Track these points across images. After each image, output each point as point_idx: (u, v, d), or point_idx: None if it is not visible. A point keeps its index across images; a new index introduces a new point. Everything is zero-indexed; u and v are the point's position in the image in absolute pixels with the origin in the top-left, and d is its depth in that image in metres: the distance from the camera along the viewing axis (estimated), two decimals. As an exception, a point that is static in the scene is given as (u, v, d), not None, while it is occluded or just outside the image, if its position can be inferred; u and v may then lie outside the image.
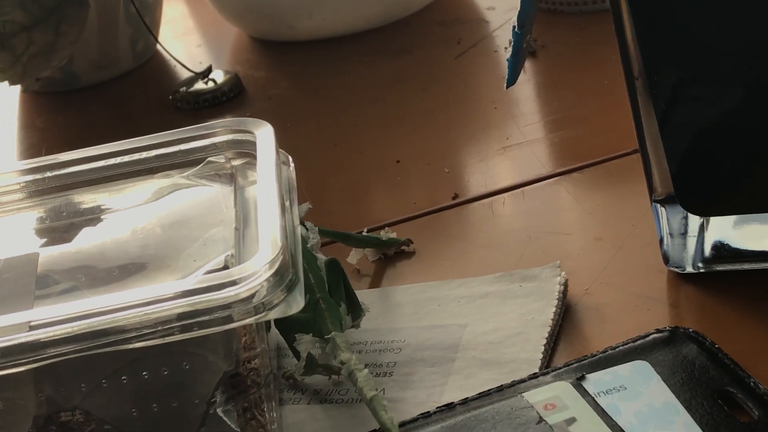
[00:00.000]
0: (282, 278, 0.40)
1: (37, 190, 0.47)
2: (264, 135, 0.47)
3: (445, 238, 0.54)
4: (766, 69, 0.43)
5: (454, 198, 0.57)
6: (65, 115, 0.74)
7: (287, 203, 0.44)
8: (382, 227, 0.54)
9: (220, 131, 0.48)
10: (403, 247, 0.54)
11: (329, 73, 0.72)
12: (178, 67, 0.75)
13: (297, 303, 0.40)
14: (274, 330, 0.47)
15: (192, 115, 0.70)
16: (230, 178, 0.46)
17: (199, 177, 0.47)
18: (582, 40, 0.69)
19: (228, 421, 0.43)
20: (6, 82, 0.70)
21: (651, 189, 0.48)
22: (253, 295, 0.40)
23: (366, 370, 0.42)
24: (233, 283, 0.40)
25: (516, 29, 0.49)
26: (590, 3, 0.71)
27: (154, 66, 0.78)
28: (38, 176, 0.47)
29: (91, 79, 0.75)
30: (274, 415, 0.44)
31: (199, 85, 0.72)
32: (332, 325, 0.44)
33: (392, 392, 0.45)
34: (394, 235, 0.54)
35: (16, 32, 0.68)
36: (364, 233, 0.54)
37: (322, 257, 0.47)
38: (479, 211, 0.56)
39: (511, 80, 0.52)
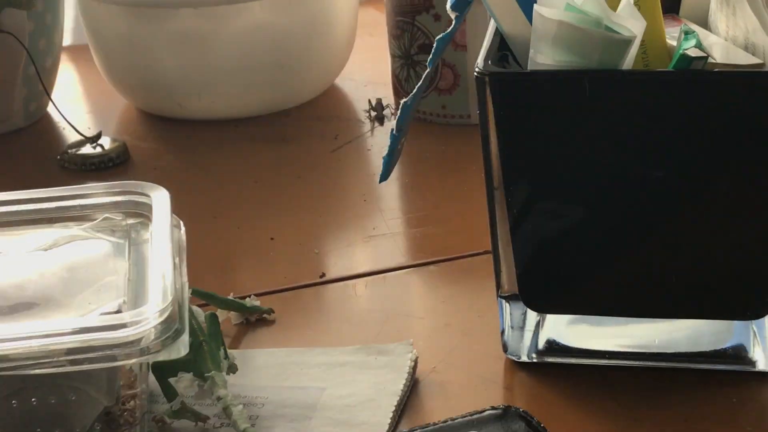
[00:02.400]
0: (169, 327, 0.45)
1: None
2: (159, 198, 0.52)
3: (309, 312, 0.60)
4: (600, 196, 0.50)
5: (321, 276, 0.62)
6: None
7: (177, 261, 0.48)
8: (248, 296, 0.59)
9: (118, 191, 0.53)
10: (264, 315, 0.59)
11: (213, 151, 0.77)
12: (67, 130, 0.80)
13: (180, 350, 0.45)
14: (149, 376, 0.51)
15: (78, 176, 0.74)
16: (125, 234, 0.51)
17: (96, 230, 0.51)
18: (446, 149, 0.76)
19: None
20: None
21: (498, 285, 0.54)
22: (141, 339, 0.44)
23: (241, 406, 0.46)
24: (124, 325, 0.44)
25: (394, 132, 0.56)
26: (457, 117, 0.78)
27: (44, 127, 0.82)
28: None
29: (-19, 132, 0.79)
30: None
31: (87, 149, 0.76)
32: (213, 365, 0.49)
33: (257, 440, 0.50)
34: (258, 303, 0.59)
35: None
36: (230, 297, 0.59)
37: (200, 311, 0.52)
38: (343, 290, 0.61)
39: (384, 176, 0.58)
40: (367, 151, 0.77)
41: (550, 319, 0.54)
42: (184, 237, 0.51)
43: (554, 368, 0.53)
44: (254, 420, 0.51)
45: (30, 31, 0.76)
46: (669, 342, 0.53)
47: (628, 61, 0.47)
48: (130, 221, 0.51)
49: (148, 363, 0.49)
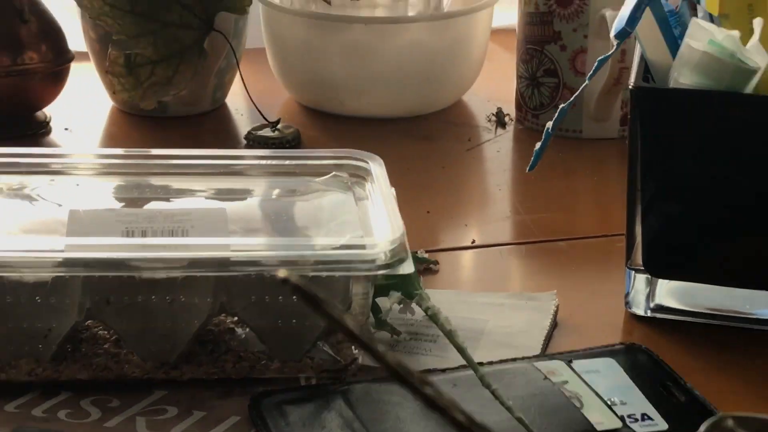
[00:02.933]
0: (398, 252, 0.60)
1: (221, 172, 0.67)
2: (375, 163, 0.67)
3: (465, 268, 0.75)
4: (719, 192, 0.66)
5: (472, 242, 0.78)
6: (154, 135, 0.93)
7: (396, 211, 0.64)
8: (418, 250, 0.75)
9: (342, 155, 0.68)
10: (431, 266, 0.74)
11: (369, 143, 0.92)
12: (245, 116, 0.96)
13: (406, 269, 0.60)
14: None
15: (259, 153, 0.90)
16: (349, 188, 0.67)
17: (327, 184, 0.67)
18: (562, 156, 0.91)
19: (328, 349, 0.62)
20: (125, 100, 0.89)
21: (628, 257, 0.70)
22: (374, 260, 0.60)
23: (444, 315, 0.62)
24: (363, 247, 0.60)
25: (549, 131, 0.71)
26: (571, 131, 0.94)
27: (224, 112, 0.98)
28: (217, 162, 0.67)
29: (175, 112, 0.95)
30: (357, 351, 0.64)
31: (267, 132, 0.92)
32: (418, 287, 0.64)
33: (437, 353, 0.65)
34: (426, 255, 0.74)
35: (143, 64, 0.88)
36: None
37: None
38: (491, 254, 0.77)
39: (533, 166, 0.74)
40: (496, 152, 0.93)
41: (665, 285, 0.70)
42: (394, 194, 0.66)
43: (666, 323, 0.68)
44: (435, 337, 0.66)
45: (232, 31, 0.92)
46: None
47: (751, 87, 0.62)
48: (352, 180, 0.67)
49: (371, 287, 0.64)
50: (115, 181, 0.68)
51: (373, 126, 0.96)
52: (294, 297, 0.60)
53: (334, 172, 0.67)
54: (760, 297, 0.68)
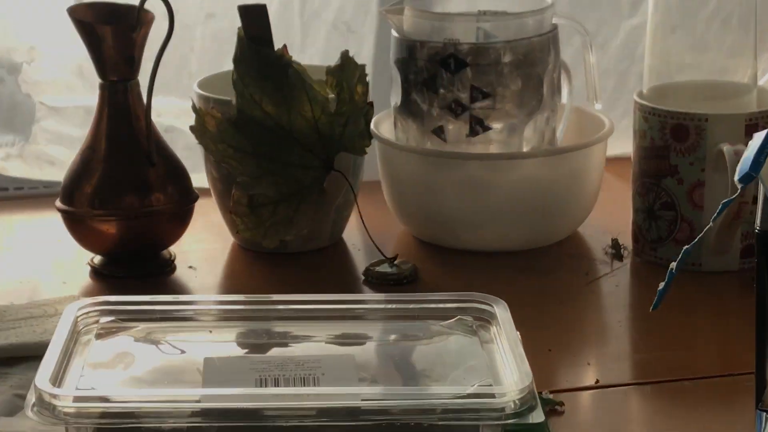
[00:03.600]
0: (527, 401, 0.60)
1: (343, 317, 0.68)
2: (500, 307, 0.68)
3: (589, 409, 0.75)
4: None
5: (596, 382, 0.77)
6: (274, 272, 0.95)
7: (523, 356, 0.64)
8: (543, 391, 0.75)
9: (465, 299, 0.69)
10: (556, 407, 0.74)
11: (485, 277, 0.94)
12: (362, 251, 0.97)
13: (535, 419, 0.60)
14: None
15: (377, 290, 0.91)
16: (474, 332, 0.67)
17: (451, 328, 0.68)
18: (681, 292, 0.90)
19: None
20: (247, 239, 0.92)
21: (759, 400, 0.68)
22: (504, 408, 0.60)
23: None
24: (493, 395, 0.60)
25: (673, 271, 0.71)
26: (689, 265, 0.93)
27: (341, 247, 1.00)
28: (339, 306, 0.68)
29: (295, 248, 0.97)
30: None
31: (384, 268, 0.93)
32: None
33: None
34: (551, 396, 0.74)
35: (266, 204, 0.90)
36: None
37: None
38: (615, 395, 0.76)
39: (657, 305, 0.73)
40: (615, 287, 0.92)
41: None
42: (520, 339, 0.66)
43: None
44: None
45: (351, 169, 0.94)
46: None
47: None
48: (476, 323, 0.68)
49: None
50: (238, 328, 0.69)
51: (489, 259, 0.96)
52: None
53: (459, 316, 0.68)
54: None
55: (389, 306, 0.68)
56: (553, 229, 0.99)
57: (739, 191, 0.67)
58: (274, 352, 0.66)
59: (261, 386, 0.60)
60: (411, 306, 0.69)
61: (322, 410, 0.59)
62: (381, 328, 0.68)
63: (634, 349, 0.83)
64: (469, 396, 0.60)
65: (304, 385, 0.60)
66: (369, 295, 0.70)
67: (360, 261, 0.97)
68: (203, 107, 0.92)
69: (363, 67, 0.91)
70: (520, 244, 0.98)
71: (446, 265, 0.97)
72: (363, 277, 0.93)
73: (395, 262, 0.94)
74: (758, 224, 0.66)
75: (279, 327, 0.69)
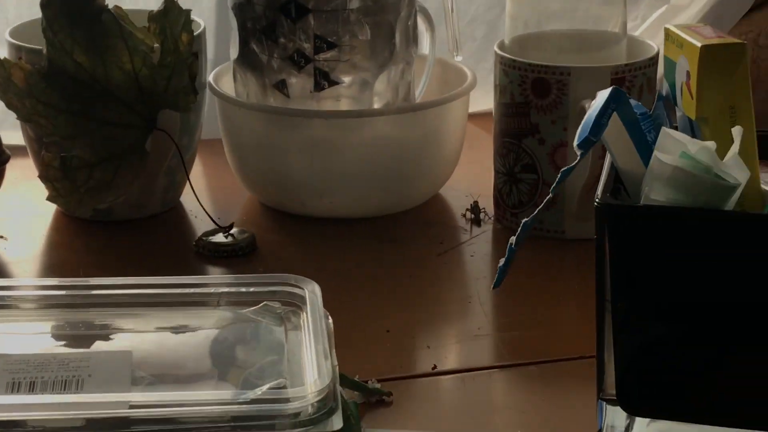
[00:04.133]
0: (326, 404, 0.52)
1: (127, 303, 0.59)
2: (311, 290, 0.60)
3: (422, 399, 0.67)
4: (699, 315, 0.58)
5: (433, 368, 0.69)
6: (98, 242, 0.86)
7: (330, 347, 0.56)
8: (369, 379, 0.67)
9: (275, 281, 0.61)
10: (384, 398, 0.66)
11: (332, 247, 0.85)
12: (199, 218, 0.88)
13: (333, 425, 0.52)
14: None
15: (210, 262, 0.83)
16: (281, 320, 0.59)
17: (256, 315, 0.59)
18: (543, 260, 0.83)
19: None
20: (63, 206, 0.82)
21: (600, 388, 0.61)
22: (300, 413, 0.52)
23: None
24: (287, 400, 0.52)
25: (513, 246, 0.63)
26: (552, 231, 0.86)
27: (177, 214, 0.91)
28: (133, 291, 0.59)
29: (123, 215, 0.87)
30: None
31: (219, 238, 0.84)
32: (355, 423, 0.56)
33: None
34: (378, 386, 0.66)
35: (80, 167, 0.81)
36: (356, 379, 0.66)
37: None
38: (452, 382, 0.68)
39: (498, 283, 0.66)
40: (470, 257, 0.84)
41: (642, 424, 0.61)
42: (331, 326, 0.58)
43: (645, 467, 0.60)
44: (380, 491, 0.58)
45: (179, 128, 0.85)
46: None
47: (731, 204, 0.54)
48: (286, 309, 0.59)
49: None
50: (47, 317, 0.60)
51: (338, 228, 0.88)
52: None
53: (265, 302, 0.60)
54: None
55: (180, 291, 0.59)
56: (409, 194, 0.90)
57: (579, 158, 0.59)
58: (42, 350, 0.57)
59: (12, 392, 0.51)
60: (213, 291, 0.60)
61: (89, 420, 0.50)
62: (173, 317, 0.59)
63: (482, 329, 0.75)
64: (256, 401, 0.51)
65: (65, 390, 0.51)
66: (162, 278, 0.61)
67: (198, 230, 0.88)
68: (12, 58, 0.82)
69: (188, 12, 0.81)
70: (372, 210, 0.89)
71: (290, 234, 0.88)
72: (194, 249, 0.85)
73: (231, 232, 0.85)
74: (599, 195, 0.58)
75: (70, 315, 0.60)
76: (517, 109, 0.85)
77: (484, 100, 1.04)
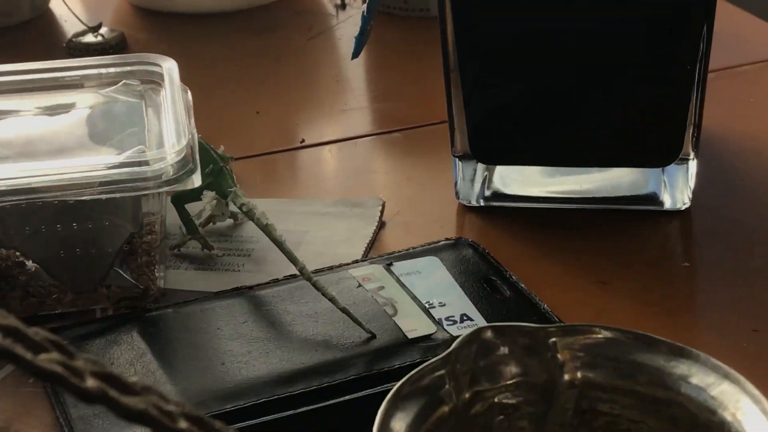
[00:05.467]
0: (185, 164, 0.55)
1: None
2: (169, 67, 0.61)
3: (292, 171, 0.70)
4: (533, 66, 0.61)
5: (301, 142, 0.72)
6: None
7: (187, 116, 0.58)
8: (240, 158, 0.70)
9: (133, 61, 0.62)
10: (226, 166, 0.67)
11: (202, 41, 0.87)
12: (69, 23, 0.89)
13: (194, 183, 0.55)
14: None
15: (82, 62, 0.84)
16: (141, 96, 0.61)
17: (117, 94, 0.61)
18: (407, 38, 0.86)
19: (125, 274, 0.57)
20: None
21: (452, 146, 0.65)
22: (161, 174, 0.54)
23: (262, 209, 0.57)
24: (147, 163, 0.54)
25: (365, 13, 0.66)
26: (417, 10, 0.88)
27: (47, 20, 0.91)
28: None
29: (-8, 23, 0.88)
30: (161, 274, 0.59)
31: (89, 38, 0.85)
32: (232, 183, 0.59)
33: (251, 267, 0.60)
34: (230, 156, 0.68)
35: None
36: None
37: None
38: (320, 154, 0.72)
39: (356, 54, 0.68)
40: (338, 41, 0.87)
41: (496, 172, 0.65)
42: (191, 99, 0.60)
43: (498, 210, 0.64)
44: (250, 251, 0.62)
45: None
46: (594, 188, 0.64)
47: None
48: (146, 86, 0.61)
49: (164, 203, 0.59)
50: None
51: (208, 22, 0.89)
52: (74, 225, 0.55)
53: (124, 81, 0.62)
54: (595, 175, 0.64)
55: (40, 77, 0.61)
56: (275, -16, 0.92)
57: None
58: None
59: None
60: (72, 74, 0.62)
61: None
62: (34, 100, 0.60)
63: (349, 104, 0.77)
64: (119, 165, 0.54)
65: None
66: (20, 65, 0.63)
67: (68, 33, 0.89)
68: None
69: None
70: (237, 3, 0.90)
71: (160, 32, 0.89)
72: (68, 51, 0.86)
73: (100, 32, 0.86)
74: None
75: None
76: None
77: None
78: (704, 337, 0.55)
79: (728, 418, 0.33)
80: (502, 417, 0.36)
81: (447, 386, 0.35)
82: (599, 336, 0.36)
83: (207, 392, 0.50)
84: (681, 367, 0.35)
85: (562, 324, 0.38)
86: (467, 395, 0.36)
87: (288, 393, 0.50)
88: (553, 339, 0.36)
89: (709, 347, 0.53)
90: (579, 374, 0.36)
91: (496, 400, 0.36)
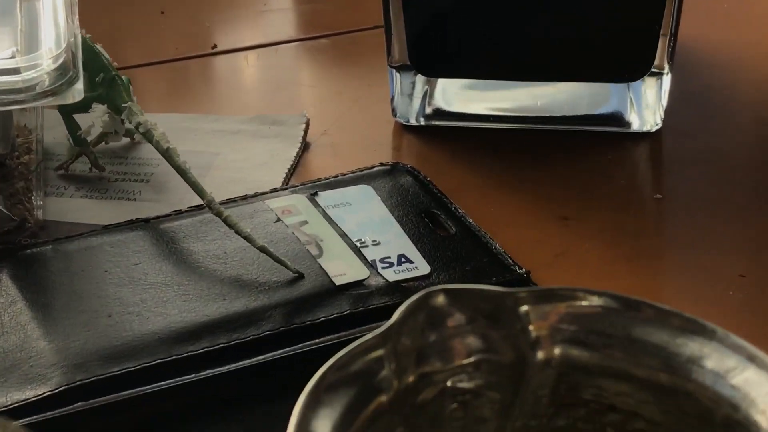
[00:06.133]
0: (64, 73, 0.45)
1: None
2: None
3: (201, 82, 0.61)
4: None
5: (213, 48, 0.63)
6: None
7: (70, 15, 0.48)
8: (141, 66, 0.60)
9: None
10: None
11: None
12: None
13: (74, 97, 0.45)
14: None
15: None
16: (16, -8, 0.51)
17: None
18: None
19: (-3, 205, 0.48)
20: None
21: (389, 56, 0.56)
22: (35, 85, 0.45)
23: (162, 130, 0.48)
24: (17, 71, 0.45)
25: None
26: None
27: None
28: None
29: None
30: (40, 202, 0.49)
31: None
32: (127, 97, 0.50)
33: (149, 195, 0.51)
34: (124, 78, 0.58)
35: None
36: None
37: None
38: (235, 61, 0.62)
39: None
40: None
41: (438, 87, 0.56)
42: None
43: (440, 131, 0.55)
44: (148, 176, 0.52)
45: None
46: (550, 105, 0.56)
47: None
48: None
49: (42, 118, 0.50)
50: None
51: None
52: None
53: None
54: (550, 89, 0.56)
55: None
56: None
57: None
58: None
59: None
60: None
61: None
62: None
63: (266, 3, 0.67)
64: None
65: None
66: None
67: None
68: None
69: None
70: None
71: None
72: None
73: None
74: None
75: None
76: None
77: None
78: (682, 284, 0.46)
79: (757, 417, 0.25)
80: (456, 405, 0.28)
81: (385, 370, 0.26)
82: (584, 303, 0.27)
83: (89, 351, 0.41)
84: (691, 346, 0.26)
85: (535, 287, 0.30)
86: (411, 379, 0.27)
87: (189, 353, 0.41)
88: (525, 307, 0.27)
89: (687, 297, 0.45)
90: (557, 352, 0.28)
91: (449, 384, 0.28)
